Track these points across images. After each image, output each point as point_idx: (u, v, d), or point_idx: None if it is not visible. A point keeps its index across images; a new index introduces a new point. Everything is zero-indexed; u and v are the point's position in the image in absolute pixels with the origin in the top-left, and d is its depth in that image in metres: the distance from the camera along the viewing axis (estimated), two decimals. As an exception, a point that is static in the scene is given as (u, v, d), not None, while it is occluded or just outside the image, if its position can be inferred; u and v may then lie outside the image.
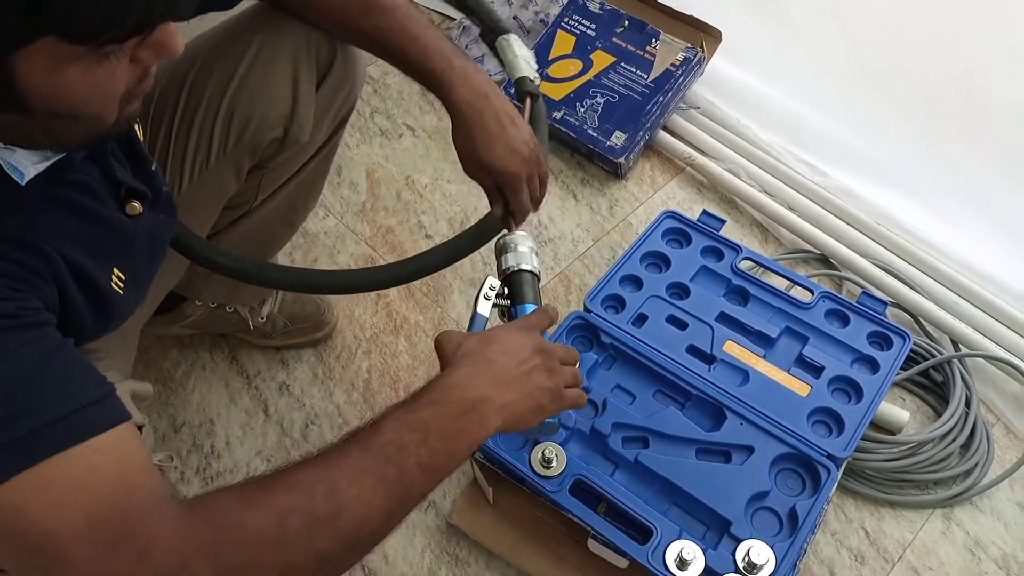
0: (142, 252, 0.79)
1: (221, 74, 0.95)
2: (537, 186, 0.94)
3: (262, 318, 1.34)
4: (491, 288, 0.91)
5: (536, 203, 0.96)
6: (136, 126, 0.77)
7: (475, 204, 1.63)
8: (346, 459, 0.63)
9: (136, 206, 0.75)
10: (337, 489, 0.61)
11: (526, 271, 0.93)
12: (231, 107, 0.95)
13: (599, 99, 1.67)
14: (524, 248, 0.94)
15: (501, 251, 0.95)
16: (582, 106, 1.67)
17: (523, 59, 1.00)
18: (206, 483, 1.27)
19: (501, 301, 0.92)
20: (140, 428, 0.78)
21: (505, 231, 0.96)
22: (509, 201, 0.94)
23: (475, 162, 0.91)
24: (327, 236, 1.58)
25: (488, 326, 0.88)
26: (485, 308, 0.89)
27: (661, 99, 1.64)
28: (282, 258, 1.52)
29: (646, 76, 1.67)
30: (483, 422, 0.70)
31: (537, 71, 1.02)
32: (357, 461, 0.63)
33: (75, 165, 0.68)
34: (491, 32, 1.01)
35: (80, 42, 0.52)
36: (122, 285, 0.75)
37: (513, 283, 0.93)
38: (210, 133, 0.96)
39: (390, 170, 1.69)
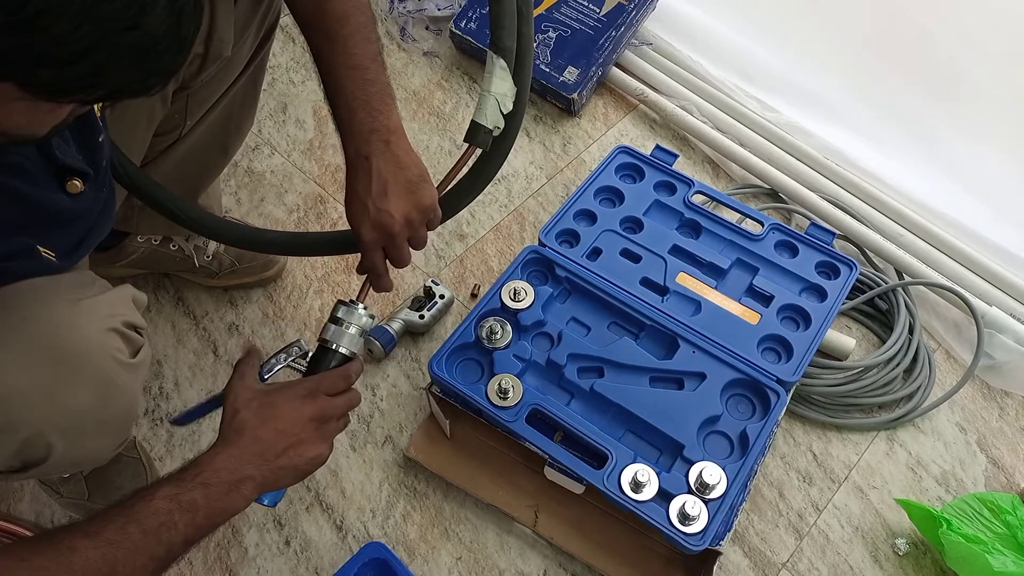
0: (77, 229, 0.77)
1: None
2: (400, 250, 0.92)
3: (208, 256, 1.30)
4: (299, 352, 0.92)
5: (403, 262, 0.94)
6: None
7: (424, 143, 1.60)
8: (127, 540, 0.70)
9: (77, 184, 0.72)
10: (116, 572, 0.68)
11: (339, 353, 0.91)
12: None
13: (551, 33, 1.64)
14: (353, 329, 0.92)
15: (335, 316, 0.92)
16: (534, 41, 1.64)
17: (495, 96, 0.93)
18: (155, 424, 1.24)
19: (299, 364, 0.92)
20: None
21: (352, 301, 0.93)
22: (363, 261, 0.93)
23: (347, 214, 0.92)
24: (274, 175, 1.53)
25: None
26: (276, 365, 0.91)
27: (614, 34, 1.62)
28: (227, 198, 1.49)
29: (598, 10, 1.64)
30: (245, 498, 0.78)
31: (512, 111, 0.95)
32: (135, 542, 0.70)
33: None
34: (492, 46, 0.93)
35: (41, 98, 0.50)
36: (53, 255, 0.74)
37: (320, 358, 0.92)
38: None
39: (338, 108, 1.64)
